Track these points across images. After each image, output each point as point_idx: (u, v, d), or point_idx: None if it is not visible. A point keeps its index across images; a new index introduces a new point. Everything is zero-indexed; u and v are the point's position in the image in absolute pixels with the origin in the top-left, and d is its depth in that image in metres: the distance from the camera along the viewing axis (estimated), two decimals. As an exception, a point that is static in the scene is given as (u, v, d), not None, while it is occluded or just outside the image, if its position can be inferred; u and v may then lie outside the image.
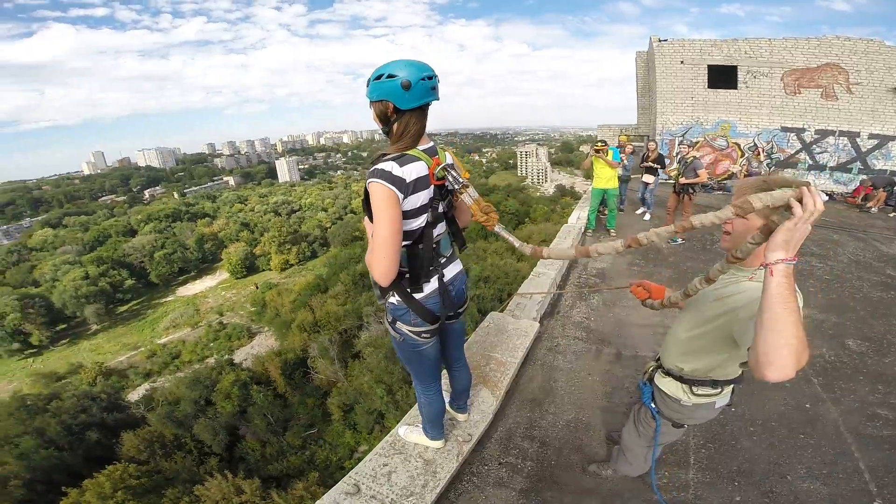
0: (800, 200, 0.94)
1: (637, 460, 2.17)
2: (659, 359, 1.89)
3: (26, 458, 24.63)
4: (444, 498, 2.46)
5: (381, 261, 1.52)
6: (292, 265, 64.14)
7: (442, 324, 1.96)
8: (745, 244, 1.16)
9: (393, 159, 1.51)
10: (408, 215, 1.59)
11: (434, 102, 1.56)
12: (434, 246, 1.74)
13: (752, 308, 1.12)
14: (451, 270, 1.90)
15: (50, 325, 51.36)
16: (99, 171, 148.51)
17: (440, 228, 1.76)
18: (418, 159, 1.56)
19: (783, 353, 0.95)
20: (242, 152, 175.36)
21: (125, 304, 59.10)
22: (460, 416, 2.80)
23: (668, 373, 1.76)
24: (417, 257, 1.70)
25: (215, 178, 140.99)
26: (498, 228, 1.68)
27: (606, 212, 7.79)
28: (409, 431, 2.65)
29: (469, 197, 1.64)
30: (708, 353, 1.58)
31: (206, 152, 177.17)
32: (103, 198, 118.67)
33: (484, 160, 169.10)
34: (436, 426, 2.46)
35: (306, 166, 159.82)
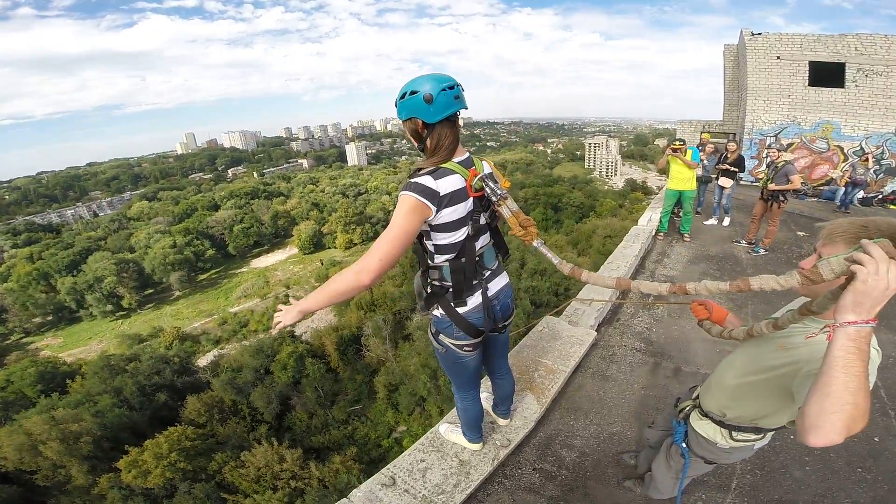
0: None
1: (666, 488, 2.09)
2: (697, 397, 1.78)
3: (101, 416, 27.10)
4: (473, 498, 2.49)
5: (371, 256, 1.43)
6: (356, 244, 67.21)
7: (486, 336, 1.92)
8: (822, 298, 1.01)
9: (428, 173, 1.48)
10: (446, 228, 1.56)
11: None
12: (477, 259, 1.70)
13: (818, 365, 0.99)
14: (497, 284, 1.84)
15: (139, 290, 57.81)
16: (189, 151, 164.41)
17: (483, 241, 1.72)
18: (454, 172, 1.51)
19: (832, 419, 0.86)
20: (316, 136, 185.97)
21: (205, 273, 65.32)
22: (501, 421, 2.80)
23: (706, 415, 1.66)
24: (460, 271, 1.65)
25: (290, 161, 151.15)
26: (536, 244, 1.62)
27: (682, 214, 7.26)
28: (450, 431, 2.68)
29: (508, 209, 1.58)
30: (758, 402, 1.44)
31: (284, 136, 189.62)
32: (192, 175, 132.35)
33: (549, 150, 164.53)
34: (473, 429, 2.47)
35: (373, 151, 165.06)
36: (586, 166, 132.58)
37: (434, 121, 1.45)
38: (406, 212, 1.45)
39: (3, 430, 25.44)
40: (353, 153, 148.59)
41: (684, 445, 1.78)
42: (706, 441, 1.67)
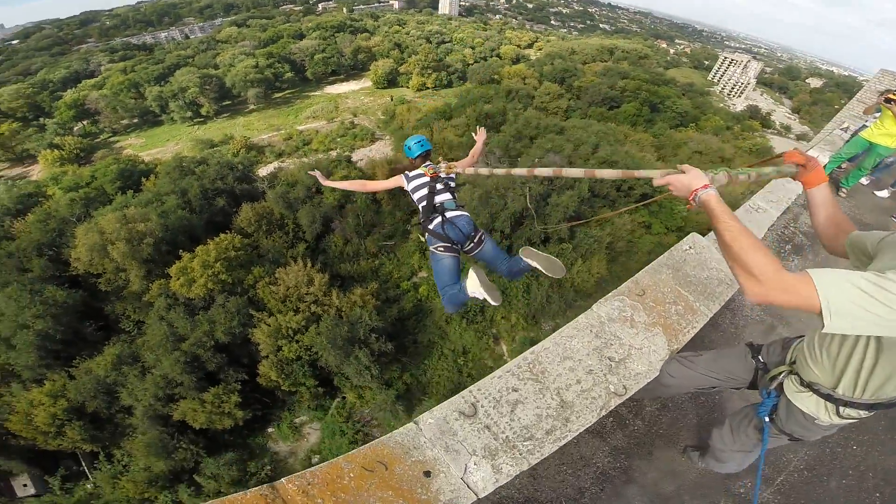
0: None
1: (730, 461, 2.04)
2: (794, 363, 1.59)
3: (165, 217, 28.87)
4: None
5: (373, 185, 3.81)
6: (428, 88, 68.20)
7: (464, 249, 3.08)
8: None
9: (408, 169, 3.38)
10: (414, 193, 3.21)
11: None
12: (437, 205, 3.08)
13: None
14: (453, 214, 3.05)
15: (218, 101, 60.70)
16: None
17: (442, 196, 3.13)
18: (421, 172, 3.24)
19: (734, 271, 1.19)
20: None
21: (280, 92, 67.41)
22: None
23: (808, 385, 1.50)
24: (426, 209, 3.06)
25: (382, 0, 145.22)
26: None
27: (856, 168, 6.24)
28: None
29: (459, 169, 3.21)
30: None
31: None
32: (283, 6, 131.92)
33: (672, 51, 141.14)
34: (454, 306, 3.03)
35: (467, 4, 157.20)
36: (709, 78, 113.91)
37: (412, 156, 3.46)
38: (392, 178, 3.39)
39: (81, 227, 28.01)
40: (446, 2, 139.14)
41: (767, 420, 1.64)
42: (804, 416, 1.54)
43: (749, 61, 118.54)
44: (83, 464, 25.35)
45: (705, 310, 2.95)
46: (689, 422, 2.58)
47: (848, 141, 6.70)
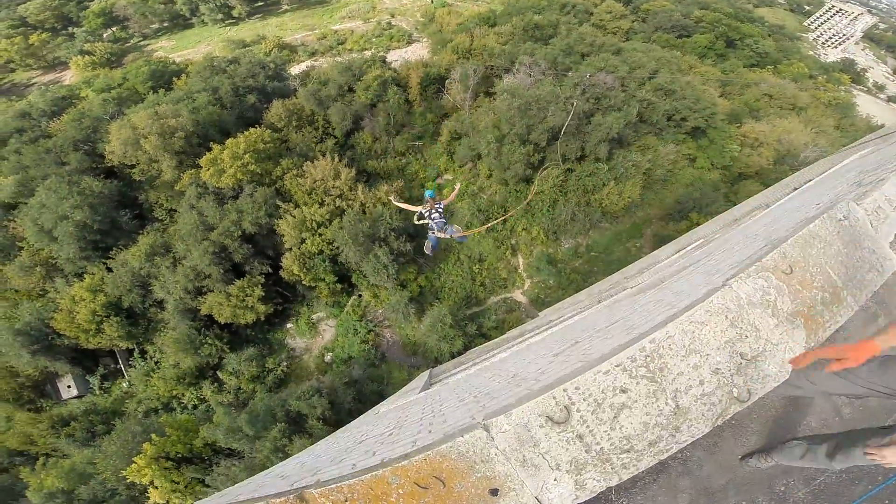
0: None
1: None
2: None
3: (196, 113, 28.80)
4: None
5: (396, 202, 10.14)
6: None
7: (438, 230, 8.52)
8: None
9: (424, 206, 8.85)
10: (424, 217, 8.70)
11: None
12: (430, 221, 8.54)
13: None
14: (438, 225, 8.47)
15: (251, 1, 57.77)
16: None
17: (436, 217, 8.51)
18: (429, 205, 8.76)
19: None
20: None
21: None
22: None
23: None
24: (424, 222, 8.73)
25: None
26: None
27: None
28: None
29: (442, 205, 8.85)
30: None
31: None
32: None
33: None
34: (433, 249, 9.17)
35: None
36: (805, 24, 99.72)
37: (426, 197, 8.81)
38: (418, 206, 8.97)
39: (114, 124, 28.27)
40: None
41: None
42: None
43: (861, 13, 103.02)
44: (119, 362, 27.58)
45: (852, 301, 2.33)
46: (766, 414, 2.47)
47: None
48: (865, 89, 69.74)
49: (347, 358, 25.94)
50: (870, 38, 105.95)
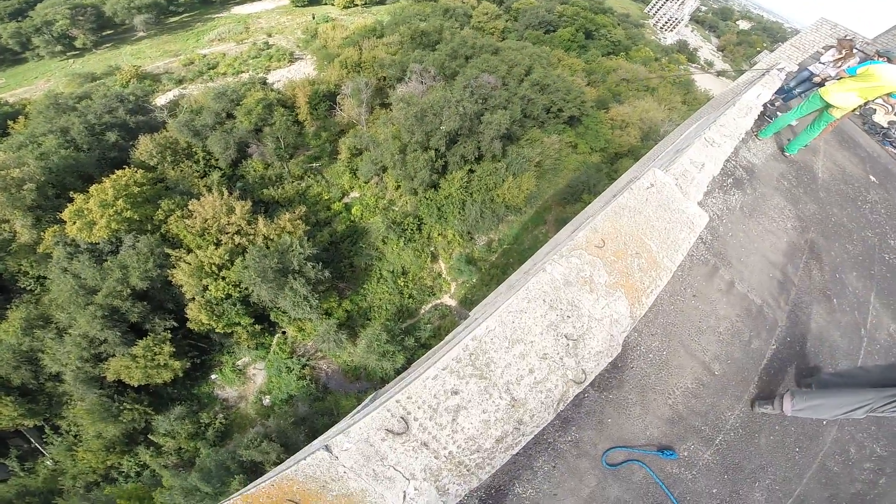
0: None
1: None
2: None
3: (45, 159, 25.30)
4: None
5: None
6: (356, 5, 62.04)
7: None
8: None
9: None
10: None
11: None
12: None
13: None
14: None
15: (97, 31, 51.83)
16: None
17: None
18: None
19: None
20: None
21: (176, 16, 58.61)
22: None
23: None
24: None
25: None
26: None
27: (804, 130, 5.44)
28: None
29: None
30: None
31: None
32: None
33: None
34: None
35: None
36: (645, 11, 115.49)
37: None
38: None
39: None
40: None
41: None
42: None
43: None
44: (32, 440, 23.84)
45: (669, 263, 2.46)
46: (639, 382, 2.56)
47: (802, 103, 5.59)
48: (699, 66, 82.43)
49: (288, 397, 24.61)
50: (695, 20, 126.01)
